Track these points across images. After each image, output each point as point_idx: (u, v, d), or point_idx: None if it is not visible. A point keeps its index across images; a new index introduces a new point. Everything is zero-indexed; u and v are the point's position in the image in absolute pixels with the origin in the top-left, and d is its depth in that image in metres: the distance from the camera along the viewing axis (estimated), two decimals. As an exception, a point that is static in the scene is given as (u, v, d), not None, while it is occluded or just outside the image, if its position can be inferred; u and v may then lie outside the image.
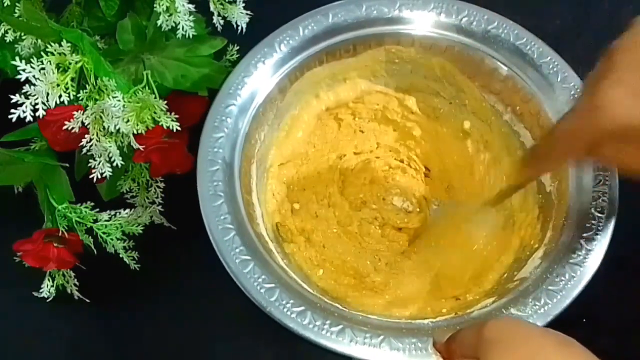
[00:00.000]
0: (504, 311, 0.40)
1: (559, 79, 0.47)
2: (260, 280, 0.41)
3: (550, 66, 0.48)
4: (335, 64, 0.51)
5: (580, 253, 0.41)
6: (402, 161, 0.55)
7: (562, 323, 0.46)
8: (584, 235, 0.42)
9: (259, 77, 0.48)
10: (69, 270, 0.48)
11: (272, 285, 0.41)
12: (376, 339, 0.39)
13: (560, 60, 0.48)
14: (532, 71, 0.48)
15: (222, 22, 0.49)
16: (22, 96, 0.40)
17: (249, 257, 0.42)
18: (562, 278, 0.41)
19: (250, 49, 0.50)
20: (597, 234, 0.42)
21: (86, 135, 0.43)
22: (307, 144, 0.53)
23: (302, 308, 0.40)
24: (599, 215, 0.42)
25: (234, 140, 0.46)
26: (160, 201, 0.50)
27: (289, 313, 0.40)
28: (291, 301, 0.40)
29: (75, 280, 0.49)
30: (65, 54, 0.42)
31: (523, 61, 0.48)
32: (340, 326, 0.39)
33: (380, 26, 0.50)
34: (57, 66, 0.42)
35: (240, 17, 0.49)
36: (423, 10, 0.50)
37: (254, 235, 0.43)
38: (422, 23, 0.50)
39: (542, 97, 0.48)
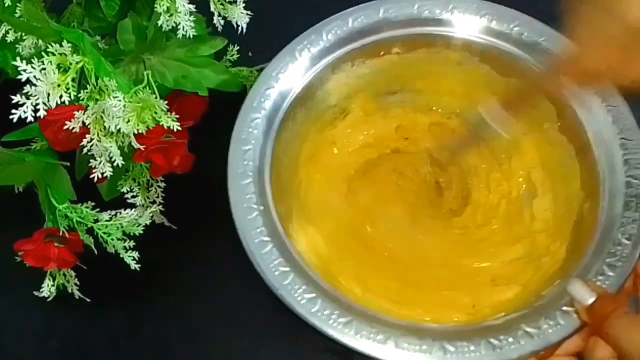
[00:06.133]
0: (514, 326, 0.39)
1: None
2: (276, 262, 0.41)
3: None
4: (377, 62, 0.51)
5: (600, 278, 0.40)
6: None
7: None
8: (607, 260, 0.41)
9: (302, 63, 0.48)
10: (69, 269, 0.48)
11: (287, 269, 0.41)
12: (381, 335, 0.39)
13: None
14: None
15: (222, 22, 0.49)
16: (23, 96, 0.40)
17: (268, 239, 0.42)
18: None
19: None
20: (620, 261, 0.41)
21: (87, 135, 0.43)
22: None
23: (313, 295, 0.40)
24: (626, 241, 0.41)
25: (270, 122, 0.46)
26: (161, 201, 0.50)
27: (299, 299, 0.40)
28: (303, 287, 0.40)
29: (76, 279, 0.49)
30: (66, 54, 0.42)
31: None
32: (348, 318, 0.39)
33: (425, 27, 0.50)
34: (58, 66, 0.42)
35: (240, 17, 0.49)
36: (475, 16, 0.49)
37: (276, 218, 0.43)
38: (468, 27, 0.49)
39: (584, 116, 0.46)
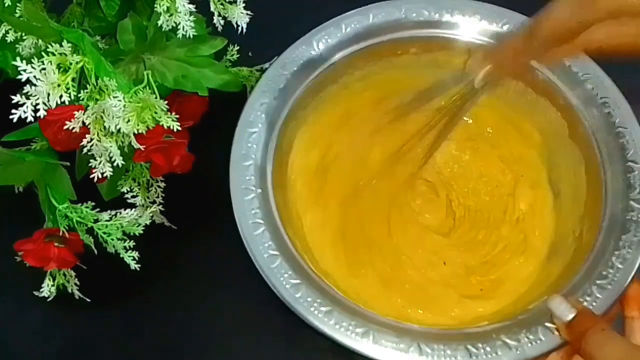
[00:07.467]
0: (494, 336, 0.39)
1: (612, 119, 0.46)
2: (266, 245, 0.41)
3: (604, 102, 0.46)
4: (394, 60, 0.51)
5: (588, 299, 0.40)
6: None
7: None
8: (598, 282, 0.41)
9: (318, 53, 0.48)
10: (69, 269, 0.48)
11: (277, 253, 0.41)
12: (360, 328, 0.39)
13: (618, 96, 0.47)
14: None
15: (222, 22, 0.49)
16: (23, 96, 0.40)
17: (261, 221, 0.42)
18: None
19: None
20: (610, 284, 0.40)
21: (87, 135, 0.43)
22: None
23: (297, 281, 0.41)
24: (619, 265, 0.41)
25: (279, 108, 0.47)
26: (161, 201, 0.50)
27: (284, 283, 0.40)
28: (290, 272, 0.41)
29: (76, 279, 0.49)
30: (66, 54, 0.42)
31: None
32: (329, 308, 0.40)
33: (444, 29, 0.50)
34: (58, 66, 0.42)
35: (240, 17, 0.49)
36: (497, 23, 0.49)
37: (274, 203, 0.44)
38: (487, 32, 0.49)
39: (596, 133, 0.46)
